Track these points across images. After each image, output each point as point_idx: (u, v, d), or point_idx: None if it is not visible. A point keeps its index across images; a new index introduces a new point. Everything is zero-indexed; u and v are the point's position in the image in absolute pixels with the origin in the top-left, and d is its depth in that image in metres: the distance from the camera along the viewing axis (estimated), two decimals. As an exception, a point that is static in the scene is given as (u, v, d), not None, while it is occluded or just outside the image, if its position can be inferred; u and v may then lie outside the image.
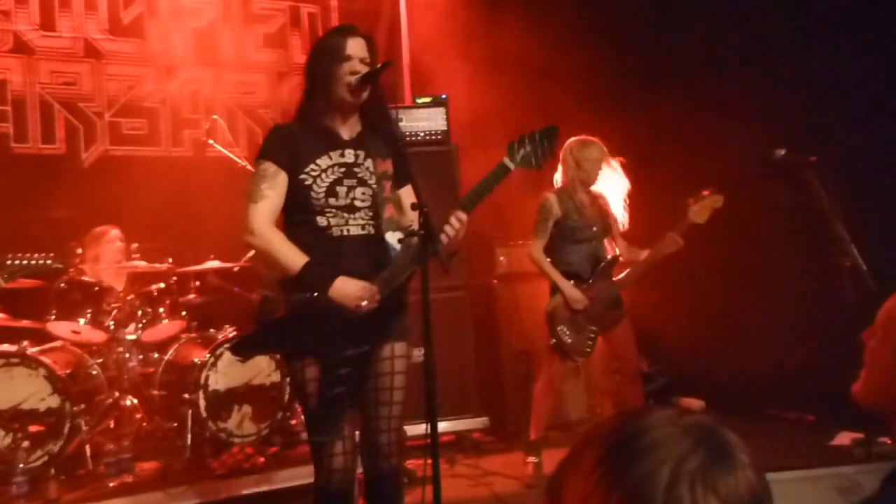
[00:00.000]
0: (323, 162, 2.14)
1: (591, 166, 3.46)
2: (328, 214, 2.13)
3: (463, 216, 2.11)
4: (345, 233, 2.13)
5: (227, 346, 3.67)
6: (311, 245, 2.12)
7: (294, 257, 2.07)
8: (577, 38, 4.95)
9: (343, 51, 2.14)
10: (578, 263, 3.47)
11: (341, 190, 2.13)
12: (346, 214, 2.14)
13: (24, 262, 2.98)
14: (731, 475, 0.68)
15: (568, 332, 3.41)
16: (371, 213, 2.17)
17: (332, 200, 2.12)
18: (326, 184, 2.12)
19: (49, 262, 3.03)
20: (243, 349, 2.39)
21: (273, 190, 2.11)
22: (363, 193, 2.16)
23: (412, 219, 2.22)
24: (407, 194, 2.25)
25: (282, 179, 2.12)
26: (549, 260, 3.48)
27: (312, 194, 2.12)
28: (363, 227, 2.15)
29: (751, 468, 0.70)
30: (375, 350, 2.17)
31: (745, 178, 4.10)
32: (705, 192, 3.37)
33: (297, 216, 2.15)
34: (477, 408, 4.13)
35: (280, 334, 2.16)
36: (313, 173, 2.12)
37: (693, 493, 0.66)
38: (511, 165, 2.18)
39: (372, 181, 2.17)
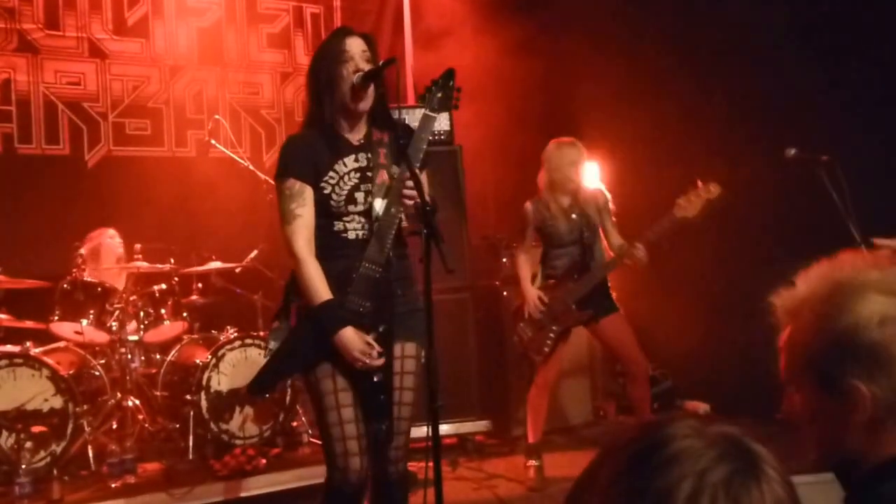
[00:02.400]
0: (340, 168, 2.15)
1: (566, 169, 3.43)
2: (346, 220, 2.15)
3: (415, 171, 2.10)
4: (360, 236, 2.15)
5: (228, 347, 3.66)
6: (328, 247, 2.13)
7: (320, 291, 2.08)
8: (584, 39, 4.93)
9: (343, 51, 2.14)
10: (562, 267, 3.51)
11: (359, 196, 2.15)
12: (363, 219, 2.15)
13: None
14: (756, 489, 0.65)
15: (528, 330, 3.49)
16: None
17: (351, 207, 2.14)
18: (346, 191, 2.14)
19: None
20: (259, 387, 2.24)
21: (303, 207, 2.12)
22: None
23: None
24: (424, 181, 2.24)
25: (308, 194, 2.13)
26: (542, 262, 3.58)
27: (332, 203, 2.13)
28: None
29: (779, 483, 0.67)
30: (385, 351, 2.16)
31: (754, 177, 4.06)
32: (697, 185, 3.16)
33: (316, 220, 2.16)
34: (479, 410, 4.11)
35: (290, 358, 2.15)
36: (332, 181, 2.14)
37: None
38: (434, 114, 2.21)
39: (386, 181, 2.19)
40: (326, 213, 2.14)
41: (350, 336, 2.05)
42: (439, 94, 2.21)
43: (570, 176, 3.44)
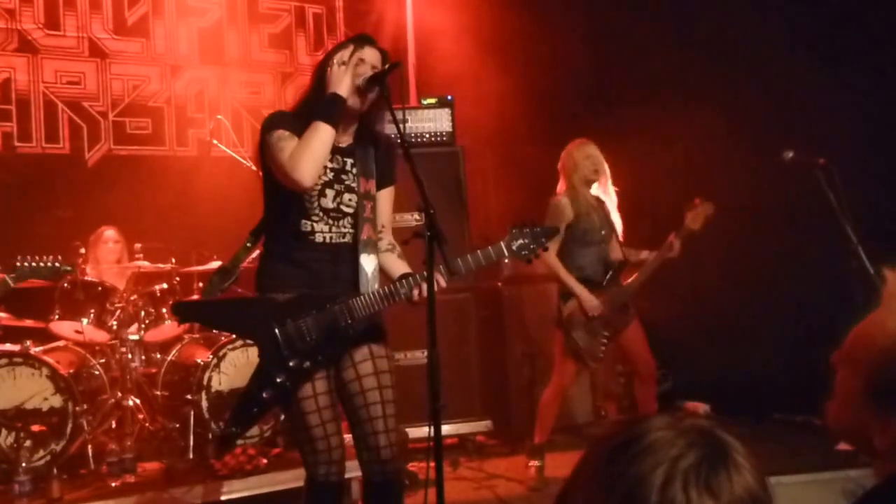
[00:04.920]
0: None
1: (590, 163, 3.46)
2: (314, 219, 2.15)
3: (443, 283, 2.08)
4: (327, 240, 2.16)
5: (230, 346, 3.66)
6: (291, 247, 2.15)
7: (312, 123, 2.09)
8: (584, 40, 4.94)
9: (357, 53, 2.15)
10: (590, 267, 3.45)
11: (330, 193, 2.16)
12: (330, 220, 2.16)
13: (35, 264, 3.03)
14: (725, 474, 0.68)
15: (584, 337, 3.40)
16: (353, 222, 2.20)
17: (322, 201, 2.15)
18: (319, 185, 2.14)
19: (58, 264, 3.07)
20: (181, 313, 2.55)
21: (292, 141, 2.10)
22: (350, 199, 2.19)
23: (389, 240, 2.28)
24: (386, 196, 2.29)
25: (296, 140, 2.12)
26: (561, 260, 3.44)
27: (305, 194, 2.13)
28: (344, 236, 2.19)
29: (749, 471, 0.69)
30: (351, 354, 2.18)
31: (753, 180, 4.07)
32: (696, 201, 3.41)
33: (284, 219, 2.17)
34: (480, 410, 4.11)
35: (227, 315, 2.26)
36: None
37: (686, 493, 0.66)
38: (506, 254, 2.22)
39: (358, 189, 2.20)
40: (296, 208, 2.13)
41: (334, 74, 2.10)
42: (526, 241, 2.20)
43: (594, 171, 3.46)
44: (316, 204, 2.14)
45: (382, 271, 2.24)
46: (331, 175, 2.16)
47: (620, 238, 3.55)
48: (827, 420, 1.09)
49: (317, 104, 2.12)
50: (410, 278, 2.12)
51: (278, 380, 2.09)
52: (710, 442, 0.70)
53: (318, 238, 2.15)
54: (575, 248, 3.44)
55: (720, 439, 0.71)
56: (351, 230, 2.19)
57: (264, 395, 2.09)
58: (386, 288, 2.13)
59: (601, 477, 0.70)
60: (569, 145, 3.55)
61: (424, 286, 2.06)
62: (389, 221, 2.32)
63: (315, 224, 2.15)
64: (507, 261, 4.51)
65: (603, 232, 3.46)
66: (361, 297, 2.12)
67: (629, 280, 3.48)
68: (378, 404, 2.17)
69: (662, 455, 0.68)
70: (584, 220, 3.42)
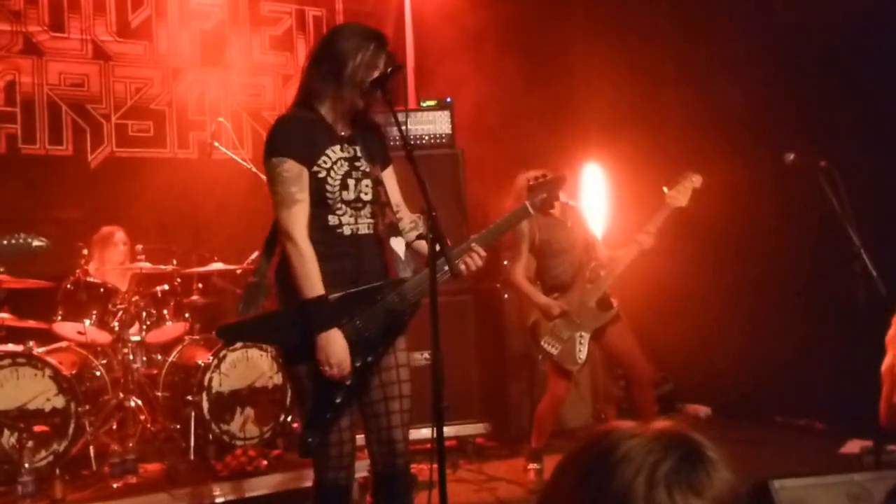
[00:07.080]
0: (332, 154, 2.15)
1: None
2: (339, 212, 2.14)
3: (483, 252, 2.15)
4: (354, 231, 2.16)
5: (230, 348, 3.67)
6: (324, 243, 2.12)
7: (315, 284, 2.06)
8: (583, 42, 4.95)
9: (378, 61, 2.14)
10: (564, 273, 3.48)
11: (351, 182, 2.15)
12: (354, 211, 2.16)
13: (3, 242, 2.84)
14: (705, 473, 0.69)
15: (553, 343, 3.39)
16: (373, 210, 2.19)
17: (344, 194, 2.14)
18: (339, 176, 2.14)
19: (29, 239, 2.89)
20: (229, 335, 2.46)
21: (304, 192, 2.10)
22: (367, 186, 2.19)
23: (410, 218, 2.29)
24: (390, 176, 2.31)
25: (306, 178, 2.11)
26: (539, 275, 3.53)
27: (328, 187, 2.12)
28: (369, 227, 2.18)
29: (724, 465, 0.71)
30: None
31: (753, 182, 4.08)
32: (680, 176, 3.28)
33: (309, 218, 2.14)
34: (480, 413, 4.12)
35: (275, 327, 2.19)
36: (325, 165, 2.13)
37: (672, 496, 0.67)
38: (532, 209, 2.30)
39: (371, 174, 2.21)
40: (320, 202, 2.12)
41: (336, 340, 2.04)
42: (544, 195, 2.28)
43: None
44: (338, 197, 2.13)
45: (415, 251, 2.25)
46: (346, 166, 2.15)
47: (594, 239, 3.53)
48: (881, 414, 1.11)
49: (315, 314, 2.05)
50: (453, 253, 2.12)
51: (348, 382, 2.09)
52: (683, 443, 0.71)
53: (347, 231, 2.14)
54: (545, 261, 3.51)
55: (692, 439, 0.72)
56: (371, 219, 2.18)
57: (338, 400, 2.09)
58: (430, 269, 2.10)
59: (582, 492, 0.70)
60: (518, 176, 3.46)
61: (469, 260, 2.10)
62: (401, 198, 2.32)
63: (341, 217, 2.14)
64: (507, 263, 4.53)
65: (569, 239, 3.48)
66: (408, 281, 2.14)
67: (600, 276, 3.42)
68: (396, 399, 2.18)
69: (640, 462, 0.69)
70: (544, 233, 3.47)
